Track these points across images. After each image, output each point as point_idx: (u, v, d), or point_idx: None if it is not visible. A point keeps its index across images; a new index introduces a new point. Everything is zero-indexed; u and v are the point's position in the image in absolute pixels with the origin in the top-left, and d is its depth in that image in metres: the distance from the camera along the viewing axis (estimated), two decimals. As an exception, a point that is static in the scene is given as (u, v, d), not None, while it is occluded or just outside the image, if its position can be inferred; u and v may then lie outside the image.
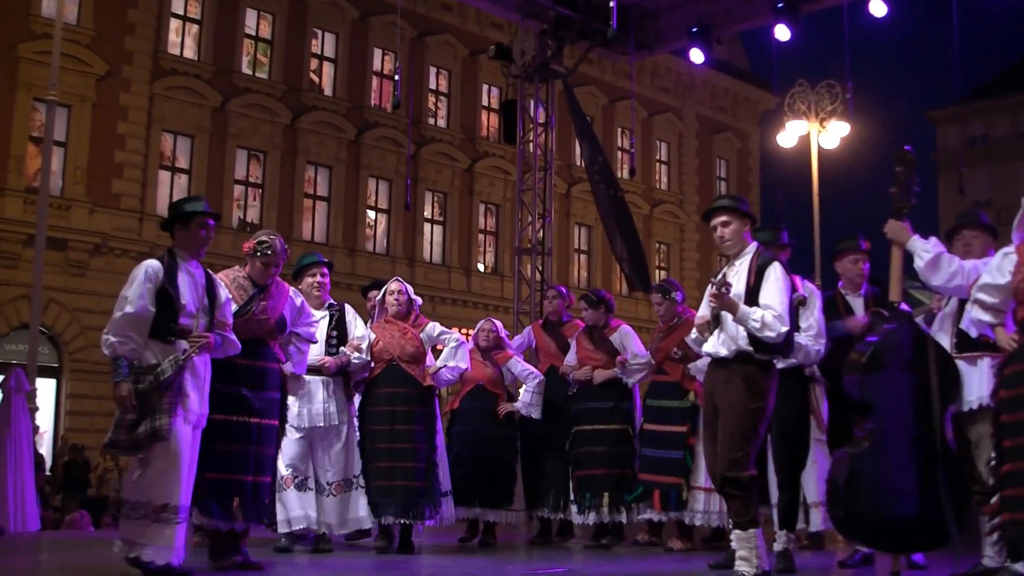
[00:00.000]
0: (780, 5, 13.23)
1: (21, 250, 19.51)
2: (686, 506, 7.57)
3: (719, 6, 14.34)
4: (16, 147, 20.07)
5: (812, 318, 6.10)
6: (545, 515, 8.46)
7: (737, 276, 5.49)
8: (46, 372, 19.11)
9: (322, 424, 7.03)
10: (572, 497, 8.13)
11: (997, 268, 4.92)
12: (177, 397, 5.19)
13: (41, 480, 13.03)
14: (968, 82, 45.82)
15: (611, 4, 12.85)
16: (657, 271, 31.22)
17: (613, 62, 25.14)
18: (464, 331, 9.41)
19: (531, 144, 15.53)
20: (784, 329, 5.31)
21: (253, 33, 24.02)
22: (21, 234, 19.28)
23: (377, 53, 25.91)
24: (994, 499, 4.67)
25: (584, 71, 24.43)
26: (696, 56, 14.64)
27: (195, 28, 23.09)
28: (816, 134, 20.60)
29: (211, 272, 5.67)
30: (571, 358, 8.29)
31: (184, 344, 5.29)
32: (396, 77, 17.06)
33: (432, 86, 27.10)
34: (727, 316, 5.41)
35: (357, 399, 7.36)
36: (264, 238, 6.16)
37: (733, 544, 5.42)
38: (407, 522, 7.03)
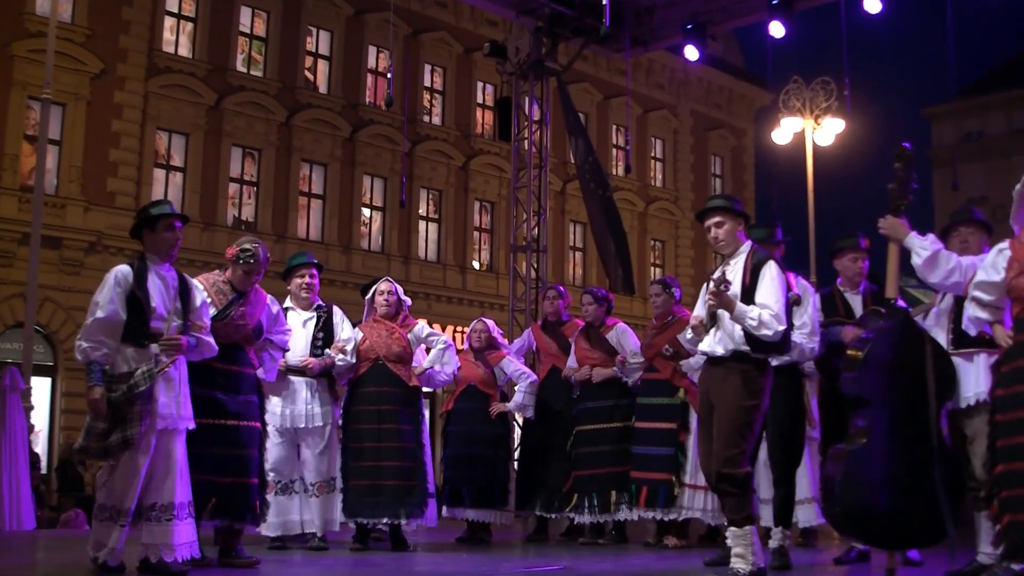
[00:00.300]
0: (775, 2, 13.22)
1: (16, 249, 19.48)
2: (675, 502, 7.57)
3: (714, 3, 14.33)
4: (10, 145, 20.02)
5: (806, 316, 6.12)
6: (539, 513, 8.48)
7: (733, 275, 5.50)
8: (41, 371, 19.09)
9: (304, 425, 7.04)
10: (575, 499, 8.12)
11: (992, 265, 4.92)
12: (148, 405, 5.25)
13: (36, 479, 13.02)
14: (963, 78, 45.97)
15: (604, 1, 12.82)
16: (652, 268, 31.27)
17: (608, 59, 25.10)
18: (460, 329, 9.42)
19: (526, 141, 15.52)
20: (781, 328, 5.32)
21: (248, 31, 23.97)
22: (16, 233, 19.25)
23: (372, 50, 25.87)
24: (994, 503, 4.67)
25: (579, 68, 24.43)
26: (691, 53, 14.64)
27: (189, 26, 23.05)
28: (811, 131, 20.62)
29: (185, 275, 5.71)
30: (572, 361, 8.33)
31: (156, 348, 5.33)
32: (388, 75, 17.02)
33: (427, 83, 27.07)
34: (724, 314, 5.41)
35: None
36: (247, 246, 6.17)
37: (729, 541, 5.43)
38: (396, 522, 7.02)
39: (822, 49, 20.03)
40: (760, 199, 34.71)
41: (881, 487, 5.02)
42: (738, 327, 5.37)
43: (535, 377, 8.40)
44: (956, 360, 5.34)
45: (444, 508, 8.23)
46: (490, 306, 25.25)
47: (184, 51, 22.90)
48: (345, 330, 7.26)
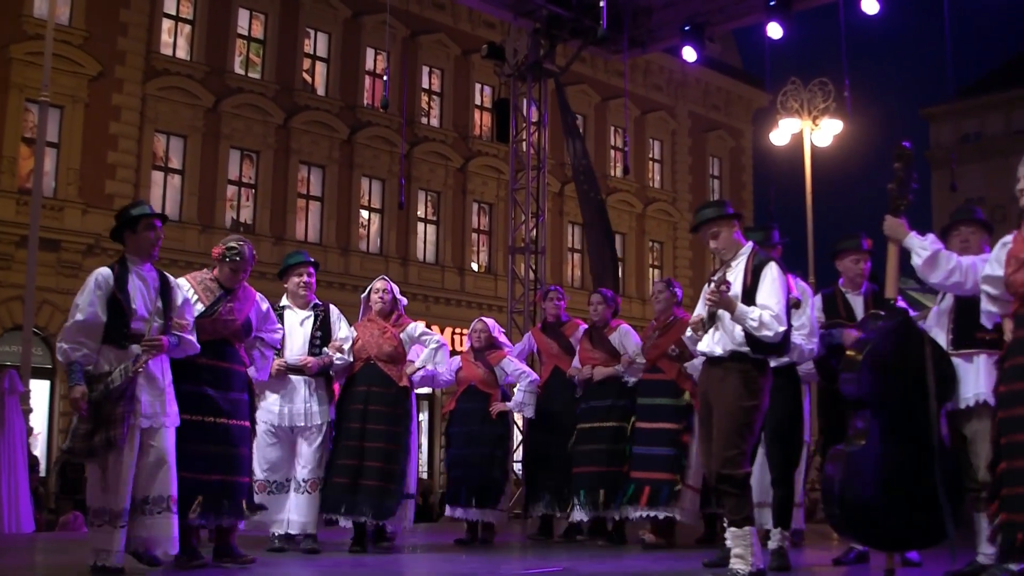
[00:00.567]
0: (772, 3, 13.21)
1: (14, 251, 19.46)
2: (677, 503, 7.56)
3: (712, 4, 14.32)
4: (8, 148, 20.01)
5: (804, 317, 6.12)
6: (541, 512, 8.50)
7: (734, 277, 5.50)
8: (40, 373, 19.05)
9: (302, 424, 7.05)
10: (576, 497, 8.14)
11: (996, 259, 4.90)
12: (130, 405, 5.31)
13: (35, 482, 13.00)
14: (961, 79, 45.96)
15: (601, 3, 12.82)
16: (650, 270, 31.30)
17: (606, 60, 25.11)
18: (459, 330, 9.43)
19: (524, 143, 15.51)
20: (782, 329, 5.32)
21: (245, 33, 23.97)
22: (14, 235, 19.24)
23: (370, 52, 25.88)
24: (995, 501, 4.66)
25: (577, 69, 24.41)
26: (689, 54, 14.63)
27: (187, 28, 23.04)
28: (809, 132, 20.62)
29: (167, 274, 5.75)
30: (576, 362, 8.38)
31: (137, 349, 5.39)
32: (385, 77, 17.03)
33: (425, 85, 27.07)
34: (724, 315, 5.41)
35: None
36: (233, 244, 6.21)
37: (728, 542, 5.42)
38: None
39: (820, 50, 20.04)
40: (758, 200, 34.76)
41: (880, 488, 5.01)
42: (738, 327, 5.37)
43: (535, 376, 8.42)
44: (956, 361, 5.33)
45: (446, 508, 8.26)
46: (488, 308, 25.22)
47: (182, 53, 22.89)
48: (342, 329, 7.29)
